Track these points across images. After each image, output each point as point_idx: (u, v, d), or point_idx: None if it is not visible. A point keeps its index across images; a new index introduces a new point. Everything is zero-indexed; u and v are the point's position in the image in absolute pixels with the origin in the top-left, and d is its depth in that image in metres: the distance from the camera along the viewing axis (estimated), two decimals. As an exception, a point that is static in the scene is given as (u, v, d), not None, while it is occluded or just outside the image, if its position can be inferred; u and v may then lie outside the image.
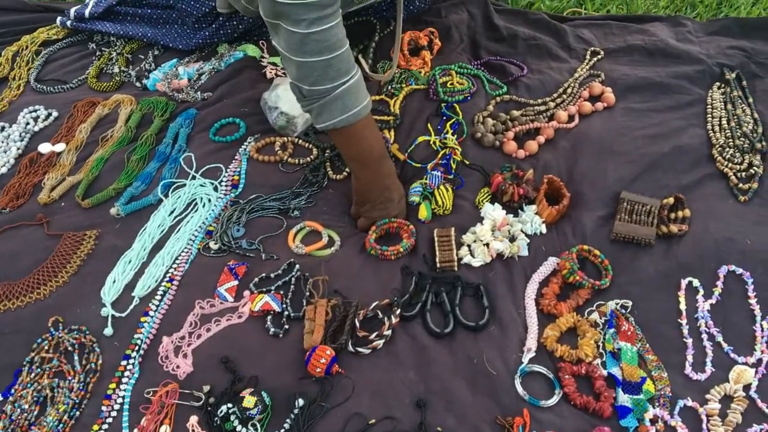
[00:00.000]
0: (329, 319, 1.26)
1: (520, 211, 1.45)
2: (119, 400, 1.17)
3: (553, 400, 1.15)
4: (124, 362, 1.22)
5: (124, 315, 1.29)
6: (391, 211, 1.43)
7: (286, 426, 1.12)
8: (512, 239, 1.40)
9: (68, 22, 2.01)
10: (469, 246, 1.39)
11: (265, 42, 1.95)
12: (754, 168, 1.49)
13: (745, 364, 1.21)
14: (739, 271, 1.33)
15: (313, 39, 1.25)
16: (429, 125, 1.65)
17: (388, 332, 1.23)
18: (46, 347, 1.25)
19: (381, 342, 1.22)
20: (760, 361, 1.21)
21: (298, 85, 1.33)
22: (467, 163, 1.56)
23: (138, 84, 1.85)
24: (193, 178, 1.55)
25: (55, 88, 1.86)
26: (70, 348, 1.24)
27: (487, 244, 1.37)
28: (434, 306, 1.30)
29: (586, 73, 1.77)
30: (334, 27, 1.26)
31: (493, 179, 1.47)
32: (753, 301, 1.29)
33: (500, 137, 1.61)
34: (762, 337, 1.24)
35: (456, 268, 1.35)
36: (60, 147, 1.66)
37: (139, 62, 1.94)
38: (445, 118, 1.67)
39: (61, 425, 1.14)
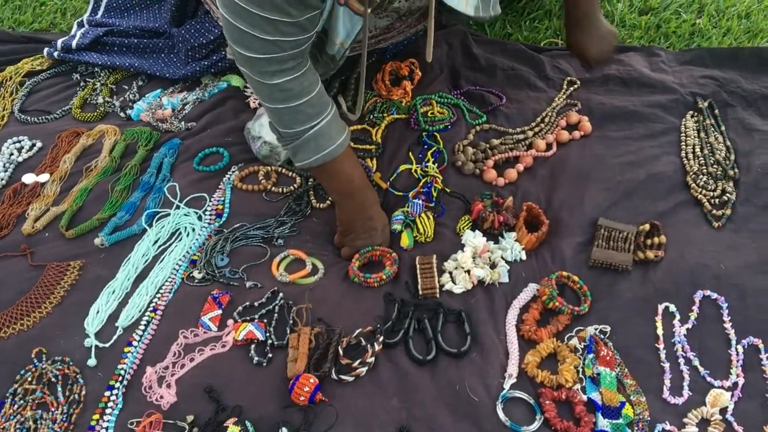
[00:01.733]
0: (313, 347, 1.27)
1: (500, 238, 1.47)
2: (102, 431, 1.17)
3: (535, 426, 1.17)
4: (107, 393, 1.22)
5: (107, 345, 1.29)
6: (375, 240, 1.45)
7: (270, 455, 1.12)
8: (493, 266, 1.42)
9: (55, 53, 2.03)
10: (450, 273, 1.41)
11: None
12: (727, 195, 1.53)
13: (722, 387, 1.23)
14: (714, 296, 1.36)
15: (277, 89, 1.28)
16: (410, 154, 1.68)
17: (372, 359, 1.24)
18: (30, 378, 1.24)
19: (364, 369, 1.23)
20: (735, 384, 1.24)
21: (275, 126, 1.36)
22: (448, 191, 1.58)
23: (122, 114, 1.86)
24: (178, 207, 1.56)
25: (39, 118, 1.87)
26: (53, 379, 1.24)
27: (469, 271, 1.39)
28: (416, 333, 1.31)
29: (563, 102, 1.81)
30: (299, 77, 1.29)
31: (474, 207, 1.50)
32: (728, 325, 1.32)
33: (480, 165, 1.64)
34: (737, 361, 1.27)
35: (438, 295, 1.37)
36: (44, 177, 1.66)
37: (123, 92, 1.95)
38: (426, 146, 1.70)
39: (44, 457, 1.14)
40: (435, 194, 1.57)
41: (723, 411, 1.20)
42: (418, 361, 1.26)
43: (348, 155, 1.42)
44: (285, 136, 1.37)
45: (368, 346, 1.26)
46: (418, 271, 1.40)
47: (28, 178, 1.66)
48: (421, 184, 1.60)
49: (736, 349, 1.29)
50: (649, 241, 1.44)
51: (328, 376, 1.22)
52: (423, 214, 1.51)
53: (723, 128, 1.70)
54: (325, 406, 1.18)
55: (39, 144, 1.77)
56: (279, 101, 1.30)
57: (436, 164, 1.64)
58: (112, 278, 1.41)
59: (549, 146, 1.69)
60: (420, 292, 1.37)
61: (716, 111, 1.74)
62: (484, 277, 1.38)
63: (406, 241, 1.47)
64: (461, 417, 1.18)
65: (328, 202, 1.57)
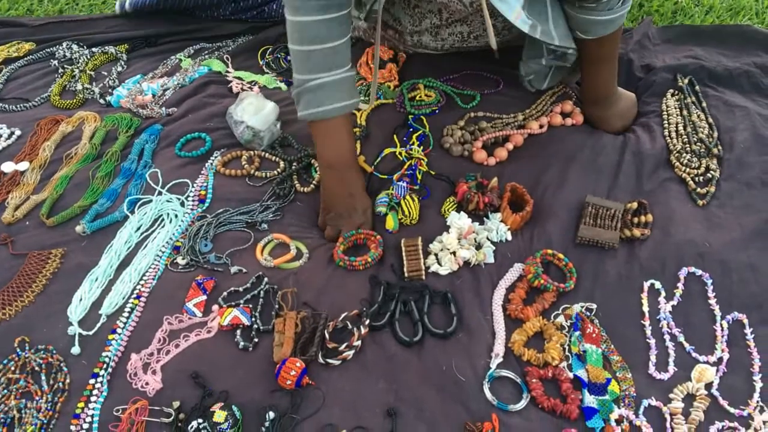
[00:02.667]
0: (299, 331, 1.26)
1: (485, 219, 1.47)
2: (88, 419, 1.16)
3: (522, 404, 1.17)
4: (92, 381, 1.21)
5: (91, 333, 1.28)
6: (354, 220, 1.44)
7: (258, 439, 1.12)
8: (478, 247, 1.42)
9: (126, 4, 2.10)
10: (436, 255, 1.40)
11: (230, 57, 1.95)
12: (711, 172, 1.53)
13: (707, 363, 1.24)
14: (699, 272, 1.36)
15: (295, 27, 1.30)
16: (395, 137, 1.67)
17: (358, 343, 1.24)
18: (13, 368, 1.23)
19: (351, 353, 1.23)
20: (720, 359, 1.25)
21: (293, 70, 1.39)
22: (432, 173, 1.58)
23: (102, 101, 1.84)
24: (160, 193, 1.54)
25: (17, 106, 1.84)
26: (37, 368, 1.23)
27: (454, 253, 1.39)
28: (403, 315, 1.31)
29: (561, 90, 1.80)
30: (319, 22, 1.29)
31: (458, 188, 1.49)
32: (713, 301, 1.33)
33: (469, 147, 1.63)
34: (722, 337, 1.28)
35: (424, 277, 1.37)
36: (23, 166, 1.64)
37: (102, 79, 1.93)
38: (411, 129, 1.69)
39: (29, 446, 1.13)
40: (419, 176, 1.57)
41: (708, 386, 1.21)
42: (405, 343, 1.26)
43: (345, 125, 1.42)
44: (294, 82, 1.39)
45: (354, 329, 1.26)
46: (403, 254, 1.40)
47: (7, 167, 1.63)
48: (405, 166, 1.59)
49: (721, 324, 1.30)
50: (636, 219, 1.45)
51: (315, 360, 1.22)
52: (408, 197, 1.50)
53: (704, 105, 1.70)
54: (311, 390, 1.18)
55: (18, 132, 1.74)
56: (294, 41, 1.33)
57: (422, 147, 1.63)
58: (95, 266, 1.39)
59: (541, 127, 1.69)
60: (406, 275, 1.36)
61: (697, 88, 1.75)
62: (470, 258, 1.38)
63: (391, 223, 1.46)
64: (448, 397, 1.18)
65: (313, 185, 1.56)
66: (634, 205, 1.45)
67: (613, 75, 1.67)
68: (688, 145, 1.60)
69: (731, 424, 1.16)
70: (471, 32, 1.65)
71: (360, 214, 1.45)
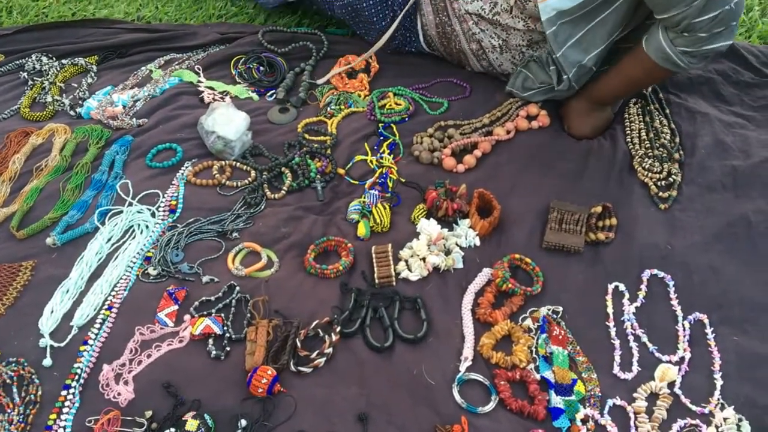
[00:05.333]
0: (270, 339, 1.28)
1: (454, 225, 1.50)
2: (60, 431, 1.16)
3: (490, 406, 1.19)
4: (64, 392, 1.21)
5: (63, 345, 1.28)
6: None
7: (230, 447, 1.13)
8: (447, 252, 1.44)
9: None
10: (406, 261, 1.42)
11: (201, 67, 1.96)
12: (673, 176, 1.57)
13: (669, 362, 1.27)
14: (661, 274, 1.40)
15: None
16: (366, 145, 1.69)
17: (329, 350, 1.25)
18: (-17, 381, 1.23)
19: (322, 360, 1.24)
20: (682, 359, 1.28)
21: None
22: (403, 180, 1.60)
23: (72, 112, 1.84)
24: (130, 204, 1.55)
25: (-14, 118, 1.83)
26: (8, 381, 1.23)
27: (424, 259, 1.41)
28: (374, 321, 1.33)
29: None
30: None
31: (428, 195, 1.52)
32: (675, 302, 1.36)
33: (438, 154, 1.65)
34: (684, 336, 1.31)
35: (394, 283, 1.39)
36: (-8, 178, 1.63)
37: (72, 90, 1.92)
38: (382, 138, 1.71)
39: (1, 459, 1.13)
40: (391, 185, 1.59)
41: (671, 385, 1.24)
42: (376, 348, 1.27)
43: None
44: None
45: (326, 336, 1.27)
46: (374, 260, 1.41)
47: (-23, 180, 1.63)
48: (376, 174, 1.61)
49: (683, 324, 1.33)
50: (600, 223, 1.48)
51: (287, 368, 1.23)
52: (379, 204, 1.52)
53: (668, 111, 1.74)
54: (283, 397, 1.19)
55: (-13, 145, 1.74)
56: None
57: (392, 155, 1.65)
58: (66, 277, 1.39)
59: (508, 133, 1.71)
60: (376, 281, 1.38)
61: (660, 95, 1.79)
62: (439, 263, 1.40)
63: (362, 230, 1.48)
64: (419, 401, 1.20)
65: (283, 191, 1.58)
66: (599, 209, 1.49)
67: (626, 94, 1.73)
68: (650, 150, 1.64)
69: (693, 422, 1.19)
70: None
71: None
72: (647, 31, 1.50)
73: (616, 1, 1.49)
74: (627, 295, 1.37)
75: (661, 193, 1.55)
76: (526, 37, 1.70)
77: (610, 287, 1.38)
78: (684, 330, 1.32)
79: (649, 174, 1.58)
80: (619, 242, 1.46)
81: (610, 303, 1.36)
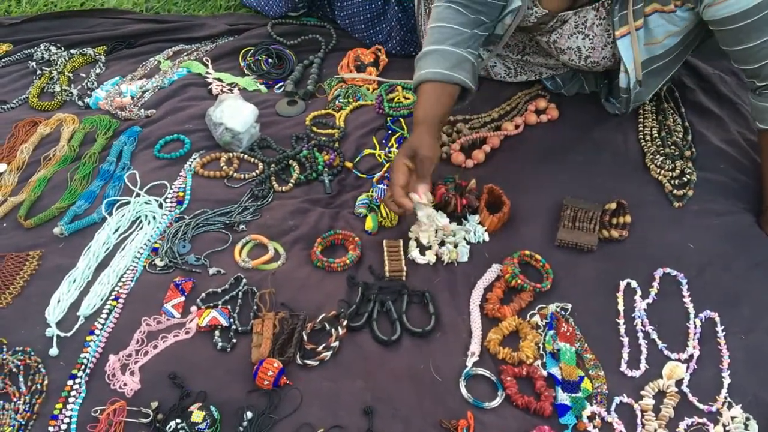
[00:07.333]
0: (277, 332, 1.27)
1: (464, 220, 1.49)
2: (66, 420, 1.16)
3: (496, 402, 1.19)
4: (70, 382, 1.21)
5: (69, 335, 1.28)
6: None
7: (235, 439, 1.13)
8: (455, 247, 1.43)
9: None
10: (416, 240, 1.43)
11: (209, 59, 1.96)
12: (687, 175, 1.55)
13: (678, 360, 1.26)
14: (674, 273, 1.39)
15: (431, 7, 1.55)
16: (374, 138, 1.69)
17: (336, 343, 1.25)
18: (-10, 370, 1.23)
19: (329, 354, 1.24)
20: (691, 357, 1.27)
21: None
22: (411, 175, 1.59)
23: (80, 103, 1.84)
24: (138, 195, 1.55)
25: (-5, 108, 1.83)
26: (14, 369, 1.23)
27: (430, 247, 1.41)
28: (381, 315, 1.32)
29: (534, 92, 1.82)
30: (446, 8, 1.49)
31: (437, 190, 1.51)
32: (687, 299, 1.35)
33: (447, 149, 1.65)
34: (694, 334, 1.30)
35: (404, 277, 1.38)
36: (1, 167, 1.63)
37: (81, 81, 1.93)
38: (390, 131, 1.70)
39: (7, 448, 1.13)
40: (398, 178, 1.58)
41: (678, 383, 1.23)
42: (383, 342, 1.27)
43: (430, 90, 1.47)
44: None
45: (332, 330, 1.27)
46: (385, 254, 1.41)
47: (-15, 169, 1.63)
48: (384, 169, 1.61)
49: (694, 322, 1.32)
50: (614, 221, 1.47)
51: (293, 361, 1.23)
52: (387, 198, 1.52)
53: (683, 110, 1.72)
54: (289, 390, 1.19)
55: (-5, 134, 1.74)
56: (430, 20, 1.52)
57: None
58: (73, 267, 1.39)
59: (517, 128, 1.71)
60: (387, 274, 1.38)
61: (676, 94, 1.77)
62: (444, 252, 1.40)
63: (370, 224, 1.48)
64: (425, 395, 1.19)
65: (290, 184, 1.57)
66: (613, 205, 1.47)
67: None
68: (662, 148, 1.63)
69: (700, 420, 1.18)
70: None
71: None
72: (753, 117, 1.48)
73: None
74: (639, 292, 1.36)
75: (675, 191, 1.53)
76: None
77: (622, 284, 1.37)
78: (695, 327, 1.31)
79: (662, 171, 1.57)
80: (632, 239, 1.45)
81: (621, 300, 1.35)
